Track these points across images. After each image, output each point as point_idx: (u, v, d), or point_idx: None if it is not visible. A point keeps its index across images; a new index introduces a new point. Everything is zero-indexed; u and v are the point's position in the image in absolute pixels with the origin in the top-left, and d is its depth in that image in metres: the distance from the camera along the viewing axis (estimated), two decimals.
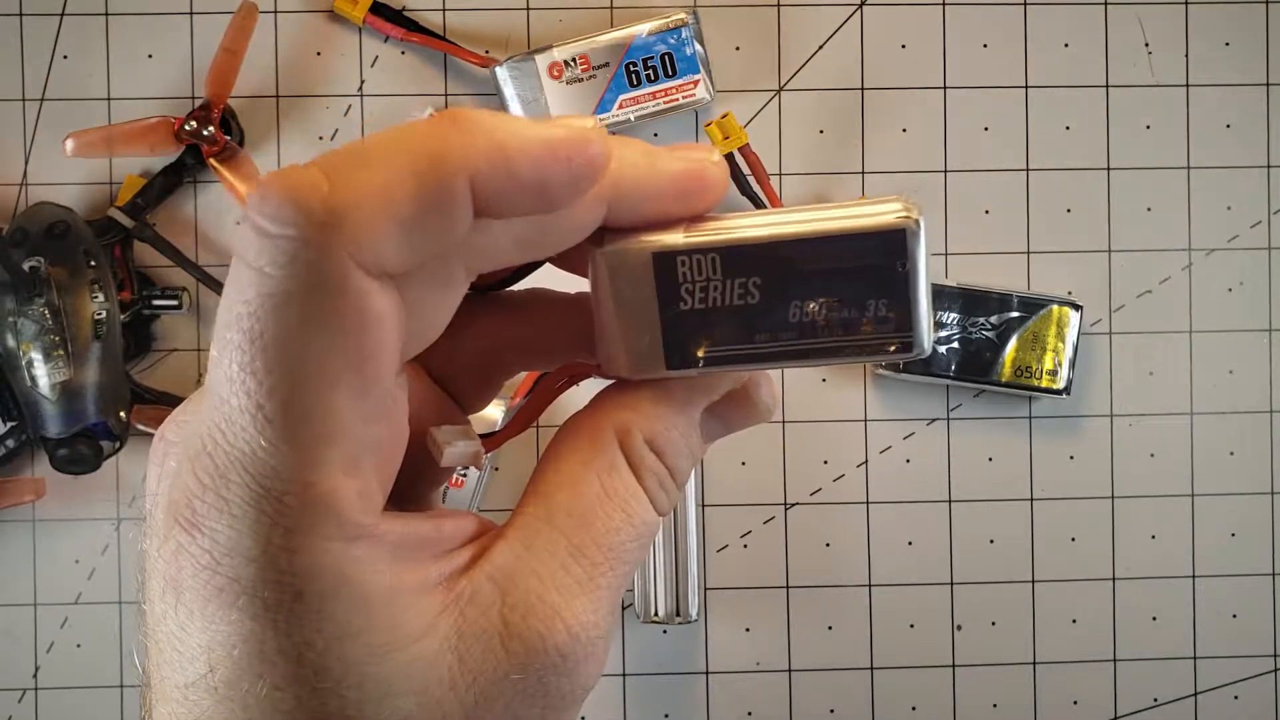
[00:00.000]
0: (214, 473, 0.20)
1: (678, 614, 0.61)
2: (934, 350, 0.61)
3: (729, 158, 0.60)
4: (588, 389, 0.26)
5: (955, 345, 0.62)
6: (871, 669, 0.64)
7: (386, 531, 0.21)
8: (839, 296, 0.23)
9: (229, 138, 0.60)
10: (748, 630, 0.64)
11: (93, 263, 0.58)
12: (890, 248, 0.23)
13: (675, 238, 0.23)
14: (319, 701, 0.20)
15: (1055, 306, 0.62)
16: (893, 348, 0.23)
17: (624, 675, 0.64)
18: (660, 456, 0.25)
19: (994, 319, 0.62)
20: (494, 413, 0.57)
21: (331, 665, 0.20)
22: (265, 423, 0.20)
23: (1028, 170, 0.64)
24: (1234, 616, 0.65)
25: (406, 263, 0.20)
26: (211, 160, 0.60)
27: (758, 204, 0.61)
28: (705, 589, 0.64)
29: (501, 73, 0.60)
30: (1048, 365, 0.62)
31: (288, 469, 0.20)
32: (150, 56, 0.62)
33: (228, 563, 0.20)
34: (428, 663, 0.21)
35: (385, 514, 0.22)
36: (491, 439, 0.26)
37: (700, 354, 0.24)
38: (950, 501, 0.64)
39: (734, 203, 0.62)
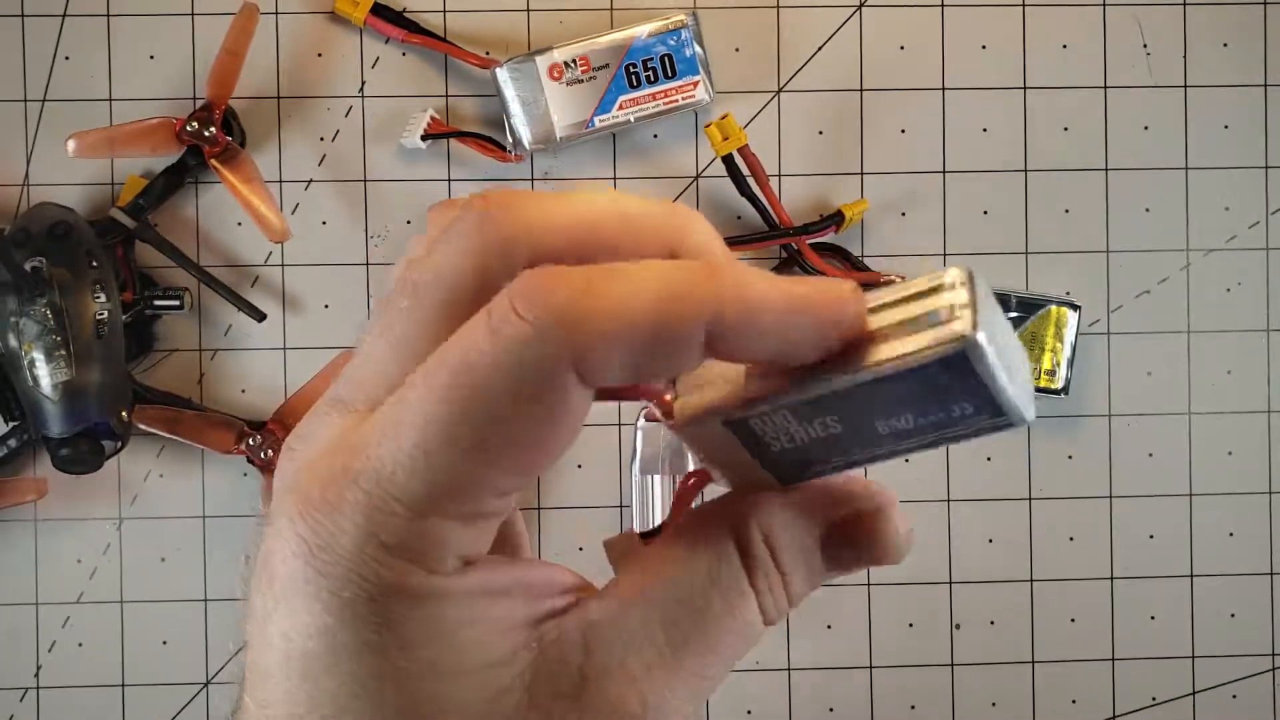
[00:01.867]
0: (342, 473, 0.21)
1: None
2: None
3: (728, 159, 0.60)
4: None
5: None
6: (870, 668, 0.64)
7: (478, 569, 0.22)
8: (921, 410, 0.22)
9: (230, 139, 0.60)
10: None
11: (95, 263, 0.58)
12: (954, 369, 0.21)
13: (735, 395, 0.22)
14: (378, 701, 0.21)
15: (1053, 307, 0.62)
16: (992, 429, 0.22)
17: None
18: (774, 555, 0.24)
19: None
20: None
21: (394, 674, 0.21)
22: (422, 454, 0.20)
23: (1026, 171, 0.64)
24: (1232, 616, 0.65)
25: (620, 381, 0.21)
26: (213, 161, 0.60)
27: (758, 205, 0.61)
28: None
29: (502, 74, 0.60)
30: (1046, 365, 0.62)
31: (414, 498, 0.20)
32: (152, 57, 0.63)
33: (321, 557, 0.21)
34: (495, 693, 0.21)
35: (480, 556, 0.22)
36: (650, 541, 0.25)
37: (806, 474, 0.24)
38: (949, 501, 0.64)
39: (734, 205, 0.62)
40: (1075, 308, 0.62)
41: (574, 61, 0.60)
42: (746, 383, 0.22)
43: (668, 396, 0.23)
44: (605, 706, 0.22)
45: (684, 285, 0.20)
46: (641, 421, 0.21)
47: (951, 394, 0.21)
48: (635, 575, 0.23)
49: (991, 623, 0.65)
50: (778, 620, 0.24)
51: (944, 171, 0.64)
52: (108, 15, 0.62)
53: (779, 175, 0.63)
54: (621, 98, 0.60)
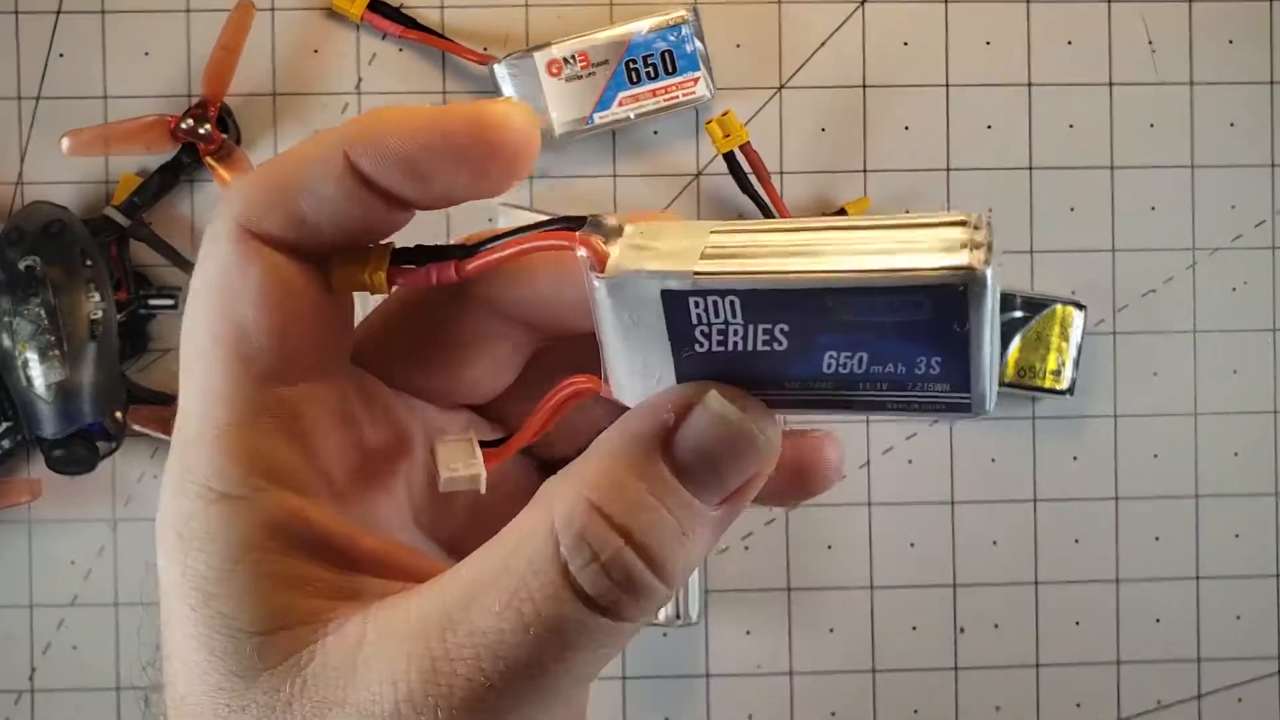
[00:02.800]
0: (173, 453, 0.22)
1: (678, 616, 0.61)
2: None
3: (729, 156, 0.60)
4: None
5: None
6: (873, 671, 0.64)
7: (283, 510, 0.21)
8: (881, 350, 0.19)
9: (226, 136, 0.60)
10: (749, 633, 0.64)
11: (89, 262, 0.58)
12: (945, 305, 0.18)
13: (688, 265, 0.19)
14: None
15: (1059, 306, 0.62)
16: (945, 407, 0.19)
17: (623, 678, 0.63)
18: (625, 534, 0.20)
19: None
20: None
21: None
22: (195, 386, 0.22)
23: (1030, 169, 0.64)
24: (1238, 618, 0.65)
25: (291, 225, 0.22)
26: (208, 159, 0.60)
27: (759, 203, 0.60)
28: (706, 591, 0.63)
29: (500, 70, 0.60)
30: (1051, 365, 0.62)
31: (183, 410, 0.22)
32: (147, 54, 0.62)
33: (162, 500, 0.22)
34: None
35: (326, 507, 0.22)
36: (491, 451, 0.23)
37: None
38: (953, 503, 0.64)
39: (735, 202, 0.62)
40: (1081, 307, 0.62)
41: (573, 57, 0.60)
42: (704, 255, 0.19)
43: (600, 246, 0.20)
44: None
45: (328, 130, 0.22)
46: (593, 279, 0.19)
47: (926, 338, 0.18)
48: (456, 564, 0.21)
49: (996, 626, 0.64)
50: (637, 611, 0.20)
51: (948, 169, 0.64)
52: (102, 12, 0.62)
53: (781, 172, 0.63)
54: (621, 94, 0.60)
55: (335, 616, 0.21)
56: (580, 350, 0.22)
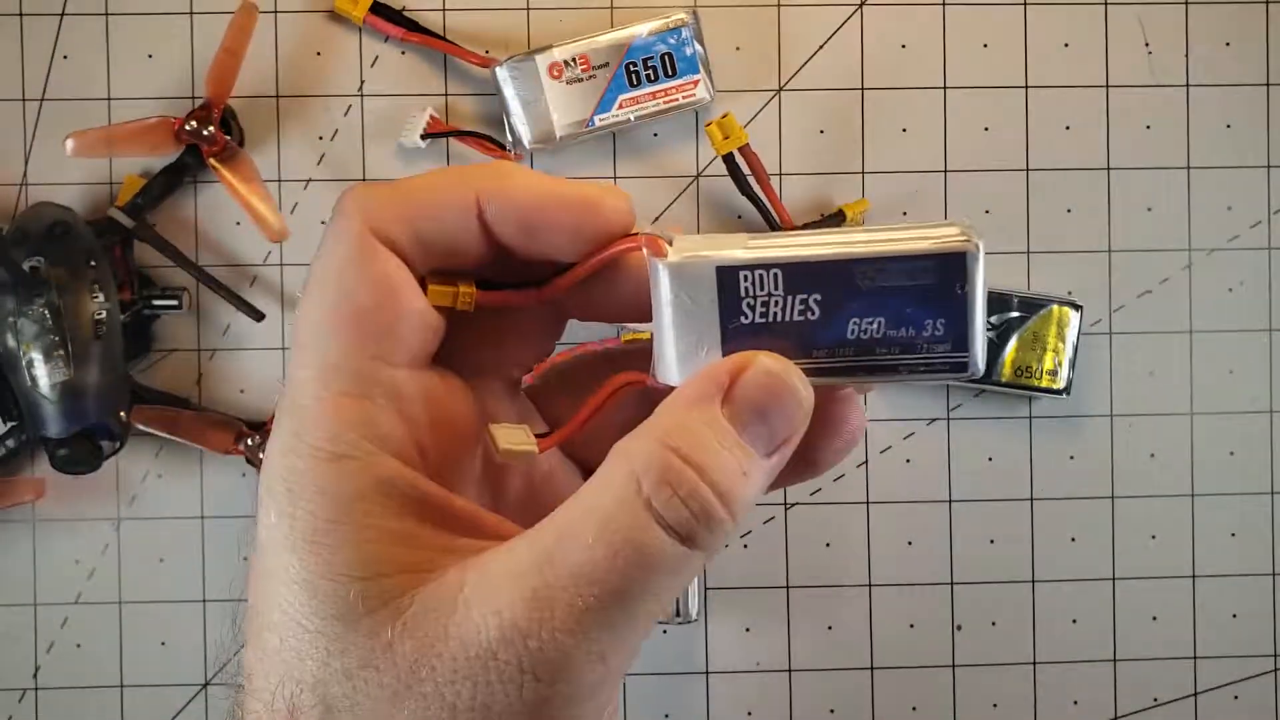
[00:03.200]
0: (280, 412, 0.25)
1: (678, 614, 0.61)
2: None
3: (729, 158, 0.60)
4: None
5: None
6: (871, 669, 0.64)
7: (390, 474, 0.24)
8: (897, 315, 0.24)
9: (229, 138, 0.60)
10: (748, 630, 0.64)
11: (93, 263, 0.58)
12: (951, 269, 0.23)
13: (737, 251, 0.24)
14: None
15: (1055, 306, 0.62)
16: (947, 367, 0.24)
17: (623, 675, 0.64)
18: (699, 471, 0.23)
19: (994, 319, 0.62)
20: None
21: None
22: (297, 347, 0.25)
23: (1028, 170, 0.64)
24: (1234, 616, 0.65)
25: (411, 240, 0.25)
26: (212, 160, 0.60)
27: (758, 205, 0.61)
28: (705, 589, 0.64)
29: (501, 73, 0.60)
30: (1048, 365, 0.62)
31: (296, 380, 0.25)
32: (150, 56, 0.62)
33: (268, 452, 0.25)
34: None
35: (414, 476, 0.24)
36: (544, 440, 0.26)
37: None
38: (950, 501, 0.64)
39: (735, 204, 0.62)
40: (1077, 307, 0.62)
41: (574, 60, 0.60)
42: (747, 248, 0.24)
43: (662, 244, 0.25)
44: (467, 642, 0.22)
45: (460, 170, 0.26)
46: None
47: (933, 301, 0.23)
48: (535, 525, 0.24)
49: (993, 623, 0.64)
50: (711, 541, 0.23)
51: (945, 171, 0.64)
52: (106, 14, 0.62)
53: (780, 174, 0.63)
54: (621, 96, 0.60)
55: (436, 568, 0.23)
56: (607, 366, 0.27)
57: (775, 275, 0.24)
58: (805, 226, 0.62)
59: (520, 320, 0.28)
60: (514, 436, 0.26)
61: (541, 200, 0.25)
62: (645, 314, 0.25)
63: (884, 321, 0.24)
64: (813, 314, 0.24)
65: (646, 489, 0.22)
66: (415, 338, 0.25)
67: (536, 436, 0.26)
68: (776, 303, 0.24)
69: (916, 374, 0.24)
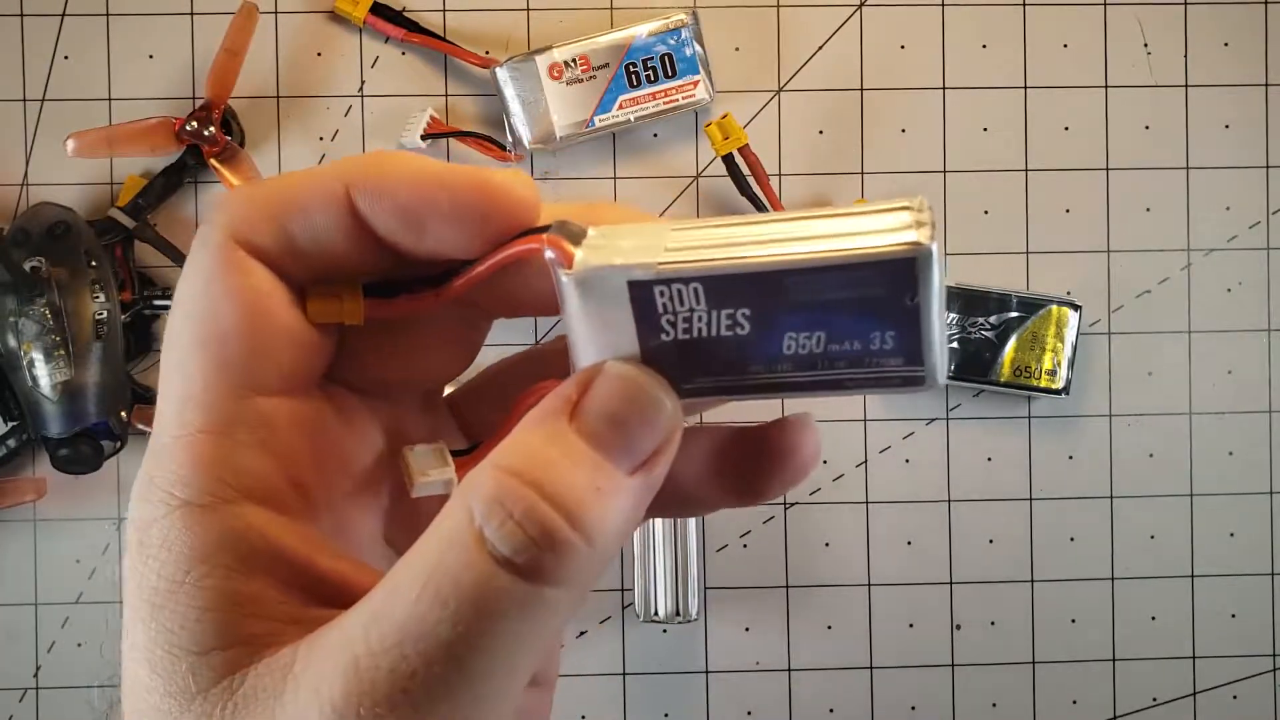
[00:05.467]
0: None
1: (678, 613, 0.61)
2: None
3: (728, 158, 0.60)
4: None
5: (954, 345, 0.62)
6: (871, 668, 0.64)
7: (243, 526, 0.21)
8: (839, 329, 0.20)
9: (229, 138, 0.60)
10: (747, 629, 0.64)
11: (94, 263, 0.58)
12: (898, 278, 0.19)
13: (653, 258, 0.20)
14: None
15: (1054, 306, 0.62)
16: (900, 380, 0.20)
17: (624, 674, 0.64)
18: (536, 488, 0.19)
19: (993, 319, 0.62)
20: None
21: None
22: (162, 378, 0.22)
23: (1027, 170, 0.64)
24: (1233, 616, 0.65)
25: (280, 245, 0.22)
26: (212, 161, 0.60)
27: (758, 205, 0.61)
28: (705, 588, 0.64)
29: (502, 73, 0.60)
30: (1047, 365, 0.62)
31: (158, 415, 0.22)
32: (151, 57, 0.63)
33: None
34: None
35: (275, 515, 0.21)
36: (463, 459, 0.23)
37: (684, 385, 0.21)
38: (949, 501, 0.64)
39: (734, 204, 0.62)
40: (1076, 308, 0.62)
41: (574, 61, 0.60)
42: (667, 250, 0.21)
43: (567, 246, 0.21)
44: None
45: (334, 162, 0.22)
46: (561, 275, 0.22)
47: (879, 313, 0.20)
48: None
49: (992, 623, 0.65)
50: (559, 570, 0.19)
51: (944, 171, 0.64)
52: (107, 15, 0.62)
53: (779, 174, 0.63)
54: (621, 97, 0.60)
55: (278, 640, 0.20)
56: (540, 361, 0.23)
57: (695, 290, 0.20)
58: None
59: (429, 327, 0.24)
60: (430, 460, 0.23)
61: (422, 189, 0.22)
62: None
63: (824, 336, 0.20)
64: (742, 329, 0.20)
65: (478, 519, 0.19)
66: (289, 359, 0.22)
67: (454, 455, 0.23)
68: (700, 318, 0.20)
69: (867, 388, 0.21)
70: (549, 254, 0.21)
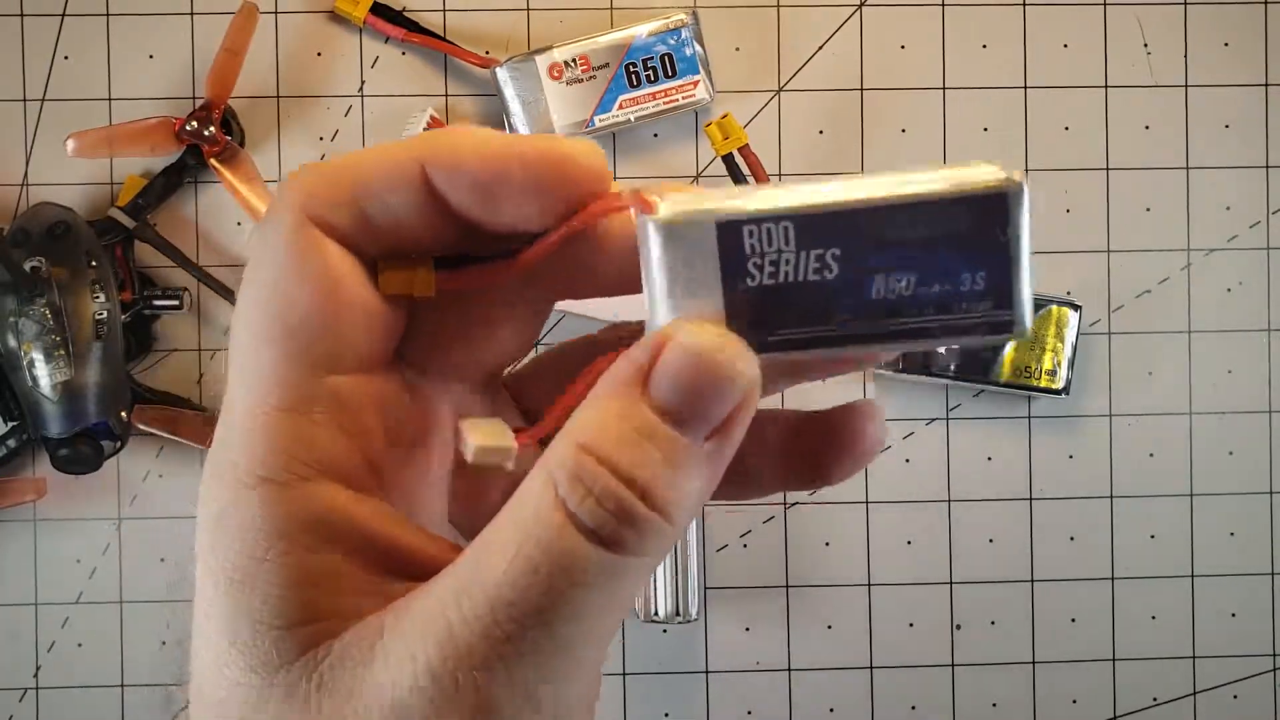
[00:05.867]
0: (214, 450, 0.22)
1: (678, 613, 0.61)
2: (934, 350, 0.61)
3: (728, 158, 0.60)
4: None
5: (955, 345, 0.62)
6: (871, 668, 0.64)
7: (316, 508, 0.21)
8: (929, 269, 0.20)
9: (230, 138, 0.60)
10: (747, 629, 0.64)
11: (94, 263, 0.58)
12: (990, 213, 0.20)
13: (741, 203, 0.20)
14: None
15: (1054, 306, 0.62)
16: (989, 328, 0.21)
17: (624, 674, 0.64)
18: (612, 468, 0.20)
19: None
20: None
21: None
22: (233, 358, 0.22)
23: (1027, 171, 0.64)
24: (1233, 616, 0.65)
25: (355, 224, 0.22)
26: (212, 161, 0.60)
27: None
28: (705, 588, 0.64)
29: (502, 73, 0.60)
30: (1047, 365, 0.62)
31: (229, 397, 0.22)
32: (151, 57, 0.63)
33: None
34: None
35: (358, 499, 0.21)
36: (523, 433, 0.23)
37: (769, 337, 0.21)
38: (949, 501, 0.64)
39: None
40: (1076, 307, 0.62)
41: (574, 61, 0.60)
42: (755, 195, 0.21)
43: (650, 196, 0.21)
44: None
45: (408, 139, 0.22)
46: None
47: (971, 252, 0.20)
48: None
49: (992, 623, 0.65)
50: (629, 541, 0.20)
51: None
52: (107, 14, 0.62)
53: (780, 175, 0.63)
54: (621, 97, 0.60)
55: (362, 613, 0.20)
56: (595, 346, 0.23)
57: (786, 229, 0.20)
58: None
59: (494, 307, 0.24)
60: (489, 432, 0.22)
61: (495, 161, 0.21)
62: (638, 286, 0.22)
63: (914, 279, 0.20)
64: (830, 272, 0.20)
65: (562, 493, 0.20)
66: (364, 337, 0.22)
67: (515, 431, 0.23)
68: (788, 260, 0.20)
69: (954, 336, 0.21)
70: (633, 208, 0.21)
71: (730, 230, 0.20)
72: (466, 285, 0.23)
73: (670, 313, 0.21)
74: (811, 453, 0.25)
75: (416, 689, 0.19)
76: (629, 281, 0.22)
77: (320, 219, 0.21)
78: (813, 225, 0.20)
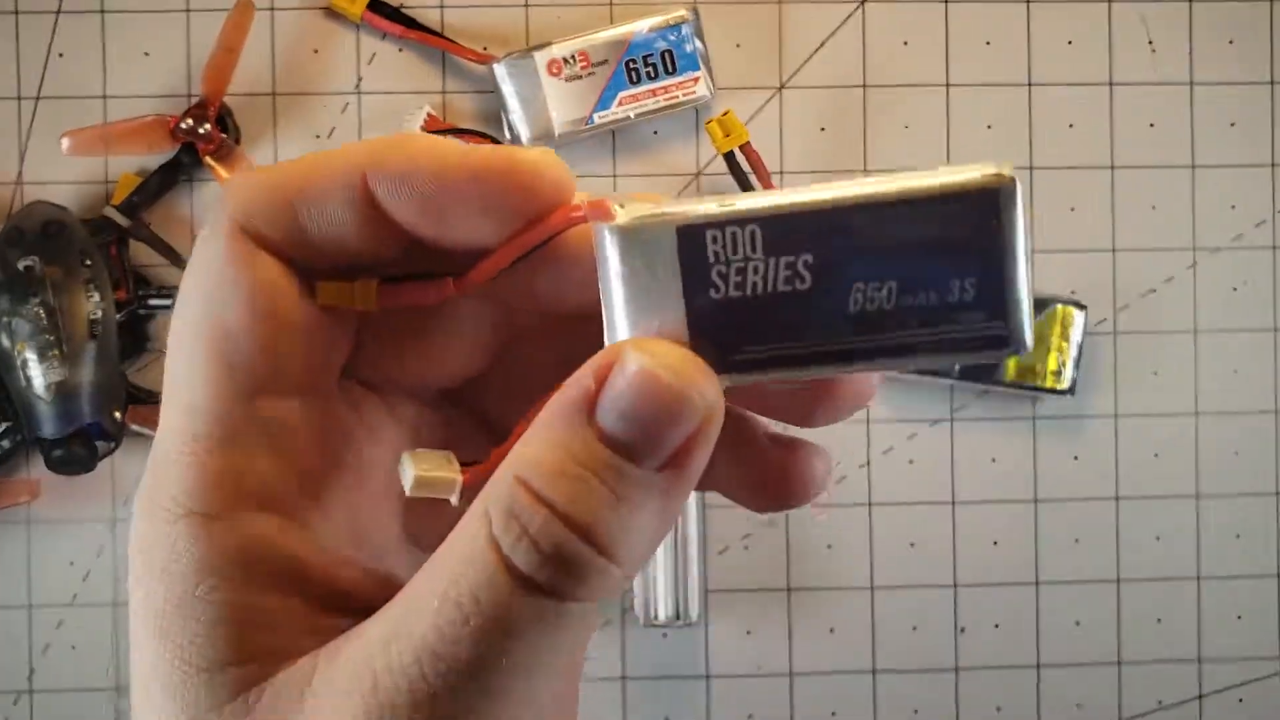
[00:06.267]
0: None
1: (678, 617, 0.61)
2: None
3: (729, 156, 0.60)
4: None
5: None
6: (874, 672, 0.64)
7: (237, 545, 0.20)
8: (912, 277, 0.18)
9: (225, 136, 0.60)
10: (749, 633, 0.64)
11: (88, 262, 0.58)
12: (979, 213, 0.18)
13: (703, 207, 0.19)
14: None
15: (1059, 306, 0.62)
16: (983, 342, 0.18)
17: (624, 679, 0.63)
18: (549, 506, 0.18)
19: None
20: None
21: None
22: (165, 383, 0.21)
23: (1031, 169, 0.64)
24: (1239, 618, 0.65)
25: (292, 237, 0.20)
26: (208, 159, 0.60)
27: None
28: (706, 591, 0.63)
29: (500, 70, 0.60)
30: (1052, 365, 0.62)
31: (162, 425, 0.21)
32: (147, 54, 0.62)
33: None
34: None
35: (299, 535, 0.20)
36: (471, 470, 0.21)
37: (734, 355, 0.19)
38: (953, 503, 0.64)
39: None
40: (1081, 307, 0.62)
41: (573, 57, 0.60)
42: (721, 202, 0.19)
43: (608, 204, 0.19)
44: None
45: (349, 145, 0.21)
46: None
47: (960, 256, 0.18)
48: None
49: (996, 626, 0.64)
50: (571, 589, 0.18)
51: None
52: (102, 11, 0.62)
53: (781, 172, 0.63)
54: (621, 94, 0.60)
55: (293, 653, 0.19)
56: (563, 345, 0.22)
57: (753, 233, 0.18)
58: None
59: (447, 321, 0.23)
60: (433, 463, 0.21)
61: (442, 172, 0.20)
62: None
63: (896, 286, 0.18)
64: (803, 282, 0.18)
65: (496, 531, 0.18)
66: (302, 357, 0.21)
67: (464, 466, 0.21)
68: (756, 269, 0.18)
69: (942, 354, 0.19)
70: (588, 215, 0.20)
71: (692, 236, 0.19)
72: (411, 301, 0.21)
73: (628, 330, 0.19)
74: (753, 478, 0.23)
75: None
76: (595, 300, 0.20)
77: (254, 231, 0.20)
78: (782, 229, 0.18)
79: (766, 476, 0.22)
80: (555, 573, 0.18)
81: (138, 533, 0.20)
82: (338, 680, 0.18)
